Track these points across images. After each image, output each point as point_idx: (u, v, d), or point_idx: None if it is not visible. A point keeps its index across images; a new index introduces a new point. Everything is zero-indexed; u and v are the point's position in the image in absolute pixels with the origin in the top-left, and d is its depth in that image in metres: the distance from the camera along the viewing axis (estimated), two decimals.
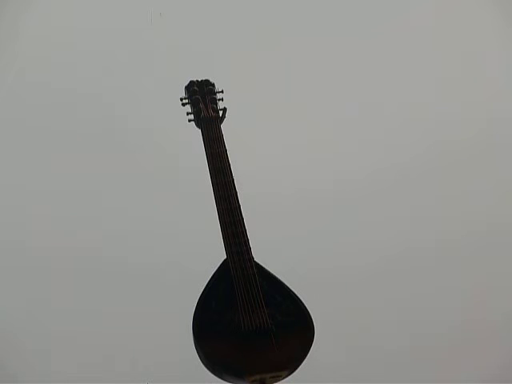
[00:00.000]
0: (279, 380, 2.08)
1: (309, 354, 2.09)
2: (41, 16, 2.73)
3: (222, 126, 2.18)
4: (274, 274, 2.12)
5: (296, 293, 2.11)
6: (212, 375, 2.08)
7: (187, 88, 2.24)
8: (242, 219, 2.10)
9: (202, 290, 2.08)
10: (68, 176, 2.68)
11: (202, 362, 2.08)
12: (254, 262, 2.10)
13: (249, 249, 2.09)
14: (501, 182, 2.80)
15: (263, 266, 2.11)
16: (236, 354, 2.06)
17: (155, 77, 2.72)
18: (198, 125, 2.20)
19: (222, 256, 2.10)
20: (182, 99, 2.23)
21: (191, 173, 2.50)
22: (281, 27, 2.79)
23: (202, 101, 2.21)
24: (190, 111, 2.21)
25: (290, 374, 2.09)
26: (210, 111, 2.19)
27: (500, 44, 2.83)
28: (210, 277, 2.10)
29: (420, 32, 2.82)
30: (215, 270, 2.10)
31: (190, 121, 2.21)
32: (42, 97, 2.69)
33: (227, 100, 2.23)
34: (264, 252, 2.10)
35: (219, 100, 2.22)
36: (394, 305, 2.70)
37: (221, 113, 2.21)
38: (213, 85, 2.24)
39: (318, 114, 2.78)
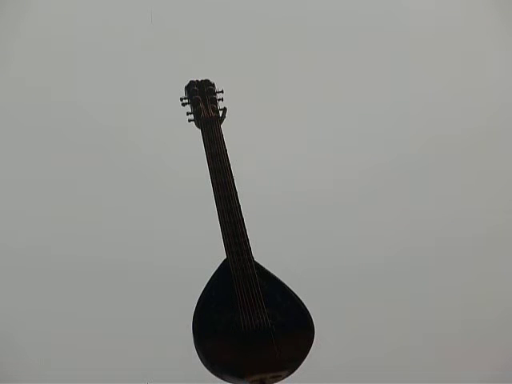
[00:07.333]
0: (279, 380, 2.08)
1: (309, 354, 2.09)
2: (40, 16, 2.73)
3: (222, 126, 2.18)
4: (274, 274, 2.12)
5: (296, 293, 2.11)
6: (212, 375, 2.08)
7: (187, 88, 2.23)
8: (242, 219, 2.10)
9: (201, 290, 2.08)
10: (66, 177, 2.67)
11: (202, 362, 2.08)
12: (254, 262, 2.10)
13: (249, 249, 2.09)
14: (500, 181, 2.80)
15: (263, 266, 2.11)
16: (236, 354, 2.06)
17: (155, 76, 2.71)
18: (197, 125, 2.20)
19: (222, 256, 2.10)
20: (181, 99, 2.23)
21: (191, 173, 2.50)
22: (281, 27, 2.79)
23: (202, 101, 2.21)
24: (190, 111, 2.21)
25: (290, 374, 2.09)
26: (210, 111, 2.19)
27: (500, 42, 2.83)
28: (210, 277, 2.10)
29: (420, 31, 2.82)
30: (215, 270, 2.10)
31: (190, 121, 2.21)
32: (41, 97, 2.69)
33: (227, 100, 2.22)
34: (264, 252, 2.10)
35: (219, 100, 2.22)
36: (393, 305, 2.70)
37: (221, 113, 2.20)
38: (213, 85, 2.24)
39: (317, 114, 2.78)
